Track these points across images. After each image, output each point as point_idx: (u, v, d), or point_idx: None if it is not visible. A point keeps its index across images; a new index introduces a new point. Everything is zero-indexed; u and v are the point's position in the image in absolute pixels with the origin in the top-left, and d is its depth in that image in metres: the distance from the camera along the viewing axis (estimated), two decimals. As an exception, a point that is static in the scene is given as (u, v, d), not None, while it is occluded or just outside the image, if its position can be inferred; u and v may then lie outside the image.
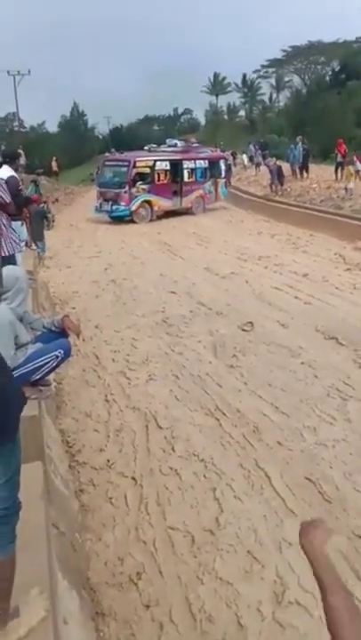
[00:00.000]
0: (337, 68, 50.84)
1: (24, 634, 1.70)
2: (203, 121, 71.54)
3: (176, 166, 17.69)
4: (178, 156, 18.41)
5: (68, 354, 3.50)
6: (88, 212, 18.38)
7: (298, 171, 21.96)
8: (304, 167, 21.95)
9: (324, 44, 56.11)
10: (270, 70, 64.41)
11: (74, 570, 2.73)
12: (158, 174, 17.04)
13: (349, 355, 5.76)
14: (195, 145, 22.80)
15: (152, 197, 16.82)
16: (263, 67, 64.59)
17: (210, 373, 5.43)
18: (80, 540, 3.11)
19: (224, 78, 70.22)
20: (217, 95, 70.41)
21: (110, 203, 16.33)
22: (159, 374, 5.45)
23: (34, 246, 9.73)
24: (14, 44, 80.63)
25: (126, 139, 58.67)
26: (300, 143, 22.53)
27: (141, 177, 16.46)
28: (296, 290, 8.34)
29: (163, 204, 17.28)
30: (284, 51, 60.50)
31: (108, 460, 4.00)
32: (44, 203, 15.45)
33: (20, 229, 6.72)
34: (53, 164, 30.67)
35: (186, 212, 18.19)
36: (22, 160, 15.12)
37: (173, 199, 17.73)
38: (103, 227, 16.15)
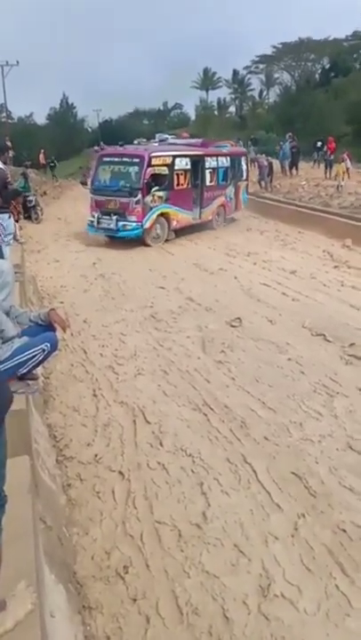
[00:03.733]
0: (327, 66, 51.08)
1: (11, 627, 1.70)
2: (193, 116, 71.36)
3: (197, 165, 12.96)
4: (199, 152, 13.32)
5: (54, 347, 3.49)
6: (78, 206, 18.15)
7: (287, 168, 22.07)
8: (293, 164, 22.06)
9: (314, 41, 56.30)
10: (260, 66, 64.47)
11: (61, 564, 2.74)
12: (177, 176, 12.25)
13: (336, 351, 5.81)
14: (188, 137, 17.92)
15: (170, 208, 12.04)
16: (253, 62, 64.66)
17: (198, 369, 5.44)
18: (67, 534, 3.11)
19: (214, 73, 70.20)
20: (207, 90, 70.35)
21: (114, 217, 11.37)
22: (147, 369, 5.45)
23: (22, 239, 9.65)
24: (2, 35, 79.63)
25: (116, 132, 58.31)
26: (288, 140, 22.63)
27: (156, 180, 11.62)
28: (284, 286, 8.39)
29: (182, 217, 12.56)
30: (274, 47, 60.61)
31: (96, 455, 3.99)
32: (33, 196, 15.33)
33: (8, 222, 6.66)
34: (41, 156, 30.36)
35: (205, 226, 13.82)
36: (10, 152, 12.78)
37: (193, 210, 13.07)
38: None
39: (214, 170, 13.78)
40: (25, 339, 3.44)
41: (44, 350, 3.41)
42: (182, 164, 12.44)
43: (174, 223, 12.36)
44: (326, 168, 20.58)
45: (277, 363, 5.57)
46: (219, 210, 14.30)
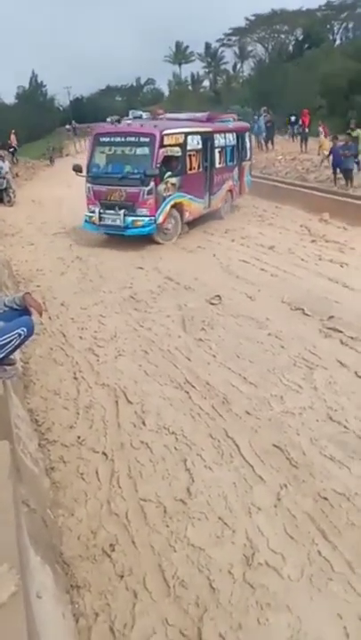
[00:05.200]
0: (300, 38, 50.39)
1: (-5, 610, 1.70)
2: (166, 91, 70.01)
3: (206, 144, 10.91)
4: (208, 128, 11.26)
5: (30, 332, 3.44)
6: (52, 187, 17.74)
7: (263, 142, 21.90)
8: (269, 139, 21.89)
9: (287, 12, 55.34)
10: (233, 39, 63.27)
11: (47, 545, 2.75)
12: (190, 158, 10.27)
13: (315, 325, 5.87)
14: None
15: (184, 197, 10.07)
16: (226, 35, 63.37)
17: (179, 347, 5.45)
18: (52, 517, 3.12)
19: (187, 47, 68.68)
20: (180, 64, 68.94)
21: (122, 211, 9.23)
22: (128, 350, 5.44)
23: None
24: (-35, 10, 76.36)
25: (88, 110, 56.98)
26: (263, 114, 22.40)
27: (167, 163, 9.52)
28: (263, 262, 8.39)
29: (195, 207, 10.63)
30: (247, 19, 59.43)
31: (79, 437, 3.99)
32: (3, 178, 14.93)
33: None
34: (12, 137, 29.48)
35: (212, 216, 11.75)
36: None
37: (204, 197, 11.09)
38: (68, 202, 15.61)
39: (222, 149, 11.77)
40: (0, 324, 3.38)
41: (20, 335, 3.36)
42: (194, 143, 10.37)
43: (187, 215, 10.30)
44: (302, 142, 20.47)
45: (258, 338, 5.60)
46: (227, 196, 12.29)
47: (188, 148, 10.10)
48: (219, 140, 11.51)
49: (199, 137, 10.55)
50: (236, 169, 12.70)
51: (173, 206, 9.74)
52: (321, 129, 19.45)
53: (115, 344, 5.58)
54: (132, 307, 6.65)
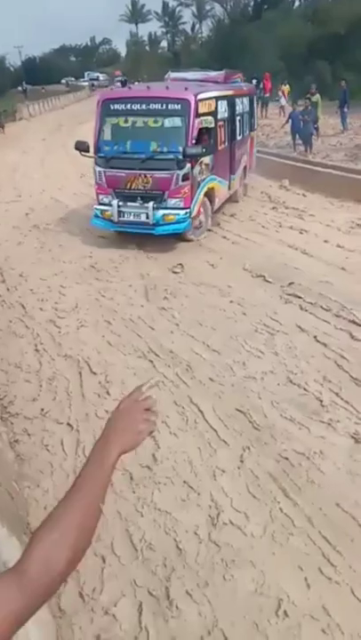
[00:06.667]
0: (259, -2, 49.13)
1: None
2: (123, 52, 67.44)
3: (232, 111, 8.99)
4: (230, 91, 9.11)
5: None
6: (5, 153, 16.95)
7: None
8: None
9: (246, -30, 53.66)
10: (192, -3, 61.09)
11: (13, 517, 2.74)
12: (219, 130, 8.28)
13: (276, 291, 5.95)
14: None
15: (215, 181, 8.17)
16: (184, -7, 61.11)
17: (142, 316, 5.42)
18: (17, 489, 3.11)
19: (143, 5, 66.03)
20: (136, 23, 66.31)
21: (150, 204, 7.14)
22: (90, 321, 5.37)
23: None
24: None
25: (41, 71, 54.35)
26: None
27: (199, 139, 7.30)
28: (224, 230, 8.38)
29: (222, 191, 8.74)
30: (205, -24, 57.34)
31: (42, 409, 3.95)
32: None
33: None
34: None
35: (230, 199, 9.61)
36: None
37: (228, 178, 9.04)
38: (23, 169, 15.00)
39: (241, 117, 9.67)
40: None
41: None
42: (222, 110, 8.39)
43: (216, 202, 8.45)
44: (262, 107, 20.24)
45: (220, 306, 5.64)
46: (242, 174, 10.15)
47: (218, 117, 8.08)
48: (239, 107, 9.46)
49: (226, 103, 8.61)
50: (249, 141, 10.72)
51: (206, 193, 7.84)
52: (280, 93, 19.26)
53: (76, 315, 5.50)
54: (93, 276, 6.54)
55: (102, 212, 7.48)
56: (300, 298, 5.68)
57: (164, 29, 67.25)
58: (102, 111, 7.49)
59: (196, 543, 2.80)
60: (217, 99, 8.03)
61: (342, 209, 9.32)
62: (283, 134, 15.45)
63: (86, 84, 54.35)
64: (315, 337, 4.89)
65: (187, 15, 64.37)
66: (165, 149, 7.05)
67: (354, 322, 5.11)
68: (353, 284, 6.00)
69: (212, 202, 8.14)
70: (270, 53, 28.76)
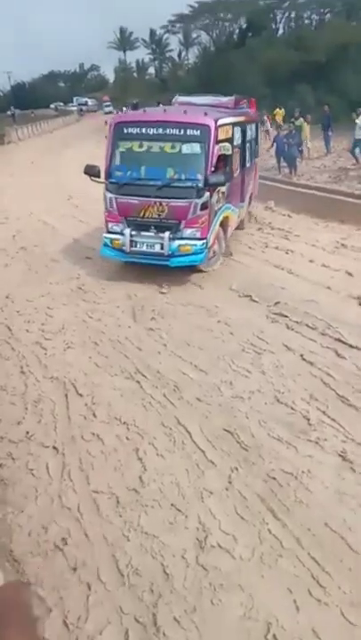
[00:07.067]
0: (244, 26, 50.65)
1: None
2: (111, 78, 68.82)
3: (243, 138, 8.85)
4: (241, 117, 8.84)
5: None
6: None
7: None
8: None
9: (230, 0, 55.44)
10: (178, 26, 62.87)
11: (-5, 544, 2.68)
12: (234, 156, 8.08)
13: (262, 311, 5.99)
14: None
15: (229, 210, 7.97)
16: (170, 22, 62.88)
17: (129, 337, 5.41)
18: (0, 515, 3.04)
19: (131, 33, 67.73)
20: (124, 51, 67.89)
21: (165, 234, 6.72)
22: (77, 342, 5.35)
23: None
24: None
25: (30, 95, 55.08)
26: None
27: (216, 165, 6.99)
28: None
29: (234, 219, 8.43)
30: (190, 6, 59.15)
31: (27, 432, 3.90)
32: None
33: None
34: None
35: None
36: None
37: (238, 207, 8.75)
38: (10, 192, 15.08)
39: (250, 144, 9.58)
40: None
41: None
42: (237, 136, 8.23)
43: (229, 231, 8.11)
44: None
45: (207, 326, 5.66)
46: (248, 201, 9.87)
47: (234, 143, 7.86)
48: (248, 133, 9.27)
49: (239, 129, 8.41)
50: (254, 168, 10.56)
51: (221, 222, 7.55)
52: (265, 118, 19.71)
53: (63, 336, 5.47)
54: (80, 298, 6.54)
55: (112, 240, 7.07)
56: (286, 317, 5.72)
57: (151, 56, 68.92)
58: (115, 134, 7.11)
59: (183, 567, 2.75)
60: (233, 125, 7.88)
61: (327, 229, 9.48)
62: (268, 157, 15.76)
63: (75, 108, 55.49)
64: (301, 355, 4.91)
65: (174, 42, 66.07)
66: (183, 177, 6.72)
67: (340, 340, 5.15)
68: (338, 303, 6.07)
69: (225, 231, 7.86)
70: (255, 79, 29.49)
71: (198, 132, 6.72)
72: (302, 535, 2.93)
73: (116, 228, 7.01)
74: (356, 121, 13.33)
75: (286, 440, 3.71)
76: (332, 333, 5.28)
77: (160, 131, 6.84)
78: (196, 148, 6.75)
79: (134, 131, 6.99)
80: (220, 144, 7.02)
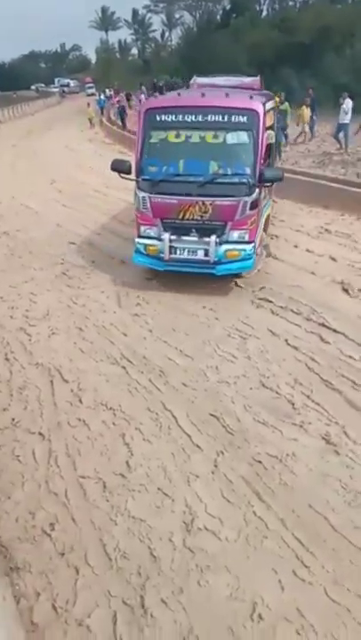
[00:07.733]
0: (227, 6, 49.85)
1: None
2: (93, 58, 67.43)
3: (273, 124, 7.86)
4: (271, 100, 7.86)
5: None
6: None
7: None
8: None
9: (214, -21, 54.43)
10: (161, 5, 61.67)
11: (-18, 531, 2.68)
12: (271, 146, 7.20)
13: (248, 296, 6.00)
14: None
15: (269, 206, 7.40)
16: (153, 2, 61.66)
17: (114, 323, 5.39)
18: (-13, 502, 3.04)
19: (113, 13, 66.25)
20: (106, 31, 66.44)
21: (211, 238, 5.81)
22: (62, 328, 5.31)
23: None
24: None
25: (10, 76, 53.76)
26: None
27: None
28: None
29: (270, 215, 7.72)
30: (174, -16, 57.99)
31: (13, 419, 3.89)
32: None
33: None
34: None
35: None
36: None
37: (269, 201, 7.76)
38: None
39: (277, 131, 8.83)
40: None
41: None
42: (273, 123, 7.55)
43: (267, 230, 7.35)
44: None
45: (193, 311, 5.65)
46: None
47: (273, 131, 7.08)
48: (276, 120, 8.38)
49: (273, 115, 7.47)
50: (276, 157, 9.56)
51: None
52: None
53: (47, 322, 5.43)
54: (64, 283, 6.47)
55: (146, 247, 6.14)
56: (271, 302, 5.75)
57: (134, 37, 67.62)
58: (146, 123, 6.08)
59: (170, 550, 2.79)
60: (273, 110, 7.06)
61: (311, 214, 9.48)
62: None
63: (57, 90, 54.27)
64: (286, 340, 4.95)
65: (156, 23, 64.85)
66: (229, 171, 5.79)
67: (324, 325, 5.19)
68: (322, 288, 6.11)
69: (265, 229, 7.01)
70: (240, 60, 29.10)
71: (245, 118, 5.82)
72: (287, 517, 2.99)
73: (151, 232, 6.11)
74: (343, 106, 13.28)
75: (271, 424, 3.76)
76: (316, 318, 5.32)
77: (200, 118, 5.89)
78: (244, 137, 5.85)
79: (169, 118, 5.98)
80: (267, 132, 6.26)
